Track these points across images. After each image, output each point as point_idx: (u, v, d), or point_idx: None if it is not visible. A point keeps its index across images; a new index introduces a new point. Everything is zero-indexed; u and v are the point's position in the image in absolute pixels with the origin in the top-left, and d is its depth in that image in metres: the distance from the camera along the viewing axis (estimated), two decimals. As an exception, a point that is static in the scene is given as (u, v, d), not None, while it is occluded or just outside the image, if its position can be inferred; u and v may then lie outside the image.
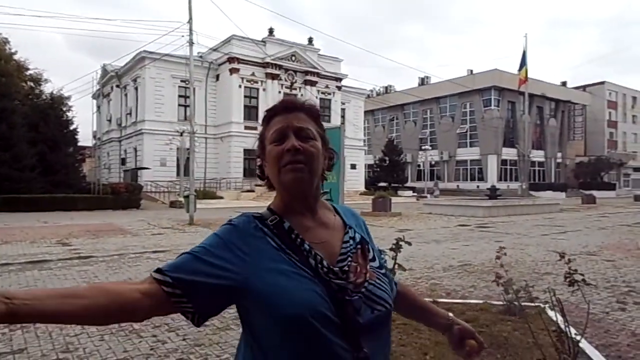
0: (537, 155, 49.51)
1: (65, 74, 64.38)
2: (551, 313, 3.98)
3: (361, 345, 0.91)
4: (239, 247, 0.93)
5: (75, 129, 26.98)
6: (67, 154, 25.44)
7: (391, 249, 4.58)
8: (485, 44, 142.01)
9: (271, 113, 1.04)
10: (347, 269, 0.98)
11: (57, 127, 24.85)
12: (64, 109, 27.33)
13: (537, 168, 50.30)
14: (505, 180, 45.27)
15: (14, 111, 22.73)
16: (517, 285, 4.20)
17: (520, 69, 36.19)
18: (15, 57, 35.99)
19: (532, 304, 3.89)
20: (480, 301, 4.87)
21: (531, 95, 40.93)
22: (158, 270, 0.90)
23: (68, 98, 28.68)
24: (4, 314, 0.70)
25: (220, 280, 0.89)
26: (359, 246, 1.05)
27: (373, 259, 1.06)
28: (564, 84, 56.58)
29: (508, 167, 47.03)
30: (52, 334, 4.01)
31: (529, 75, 36.35)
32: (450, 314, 1.21)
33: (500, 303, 4.48)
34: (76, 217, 17.02)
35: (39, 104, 26.68)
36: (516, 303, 3.88)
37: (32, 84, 36.39)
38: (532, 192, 38.63)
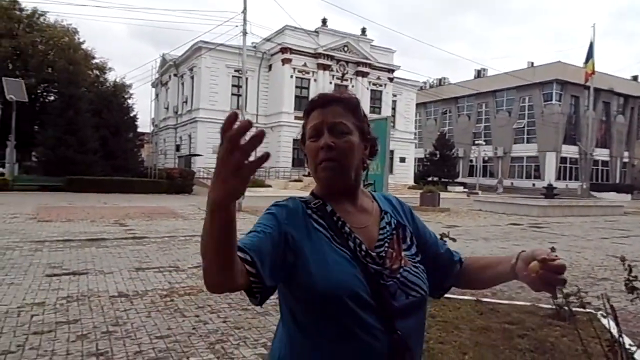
0: (601, 154, 46.54)
1: (127, 62, 67.65)
2: (604, 321, 3.74)
3: (395, 327, 0.94)
4: (289, 224, 0.97)
5: (135, 116, 28.36)
6: (127, 140, 26.81)
7: (434, 244, 4.48)
8: (546, 35, 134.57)
9: (310, 107, 1.07)
10: (383, 254, 1.01)
11: (118, 114, 26.24)
12: (126, 96, 28.74)
13: (600, 167, 47.31)
14: (564, 179, 42.96)
15: (80, 98, 24.21)
16: (568, 289, 3.98)
17: (586, 62, 33.99)
18: (83, 46, 38.09)
19: (583, 310, 3.67)
20: (528, 303, 4.66)
21: (597, 90, 38.42)
22: (239, 249, 0.85)
23: (129, 86, 30.18)
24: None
25: (282, 249, 0.93)
26: (394, 232, 1.07)
27: (409, 246, 1.08)
28: (635, 78, 52.61)
29: (568, 165, 44.57)
30: (103, 308, 4.25)
31: (595, 69, 34.11)
32: (515, 257, 0.99)
33: (550, 307, 4.27)
34: (133, 200, 17.90)
35: (103, 92, 28.24)
36: (566, 308, 3.68)
37: (97, 72, 38.45)
38: (593, 193, 36.45)
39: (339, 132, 1.01)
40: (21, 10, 34.54)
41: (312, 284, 0.93)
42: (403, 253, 1.04)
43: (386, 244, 1.03)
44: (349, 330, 0.92)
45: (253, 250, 0.87)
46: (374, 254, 1.00)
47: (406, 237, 1.09)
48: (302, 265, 0.94)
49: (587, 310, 3.71)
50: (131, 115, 27.92)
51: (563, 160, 44.09)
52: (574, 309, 3.66)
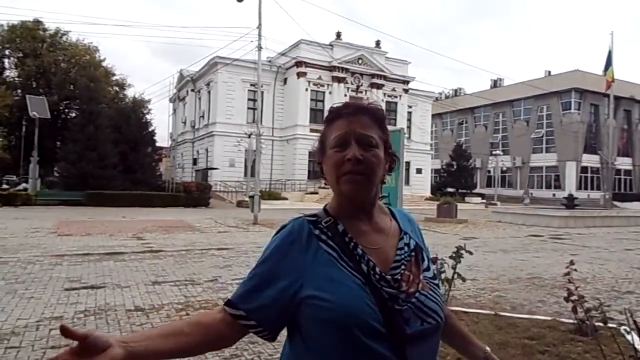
0: (624, 163, 45.48)
1: (146, 78, 69.08)
2: (628, 337, 3.61)
3: (406, 355, 0.89)
4: (293, 256, 0.95)
5: (153, 131, 28.84)
6: (146, 154, 27.24)
7: (451, 257, 4.41)
8: (563, 44, 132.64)
9: (334, 115, 1.01)
10: (399, 277, 0.96)
11: (137, 129, 26.71)
12: (144, 111, 29.31)
13: (622, 177, 46.22)
14: (586, 188, 42.06)
15: (100, 114, 24.77)
16: (591, 302, 3.87)
17: (606, 70, 33.48)
18: (104, 64, 39.13)
19: (607, 325, 3.55)
20: (549, 318, 4.54)
21: (617, 98, 37.74)
22: (230, 304, 0.95)
23: (148, 101, 30.76)
24: (125, 356, 0.78)
25: (284, 295, 0.93)
26: (412, 254, 1.02)
27: (427, 269, 1.03)
28: (657, 85, 51.53)
29: (589, 174, 43.65)
30: (120, 322, 4.28)
31: (615, 76, 33.54)
32: (487, 348, 1.14)
33: (571, 321, 4.15)
34: (151, 213, 18.12)
35: (122, 107, 28.85)
36: (588, 322, 3.57)
37: (117, 88, 39.38)
38: (615, 203, 35.57)
39: (366, 145, 0.96)
40: (45, 30, 35.73)
41: (317, 313, 0.90)
42: (421, 275, 0.99)
43: (402, 266, 0.98)
44: (354, 357, 0.88)
45: (249, 301, 0.94)
46: (388, 276, 0.94)
47: (424, 259, 1.04)
48: (307, 296, 0.91)
49: (610, 325, 3.59)
50: (149, 130, 28.41)
51: (584, 169, 43.23)
52: (596, 323, 3.55)
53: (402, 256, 1.00)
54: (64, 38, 36.59)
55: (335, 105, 1.03)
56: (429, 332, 0.94)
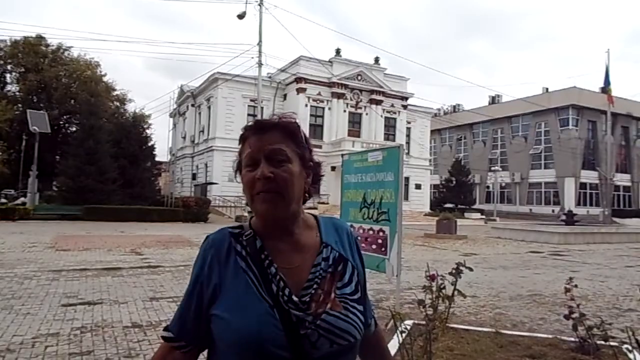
0: (622, 179, 45.64)
1: (146, 94, 69.52)
2: (631, 355, 3.58)
3: None
4: (211, 270, 0.95)
5: (152, 146, 28.93)
6: (145, 169, 27.26)
7: (451, 274, 4.39)
8: (557, 61, 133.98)
9: (245, 134, 0.98)
10: (308, 299, 0.92)
11: (137, 144, 26.79)
12: (144, 126, 29.43)
13: (622, 193, 46.32)
14: (585, 205, 42.08)
15: (100, 128, 24.86)
16: (592, 320, 3.84)
17: (605, 86, 33.85)
18: (105, 79, 39.38)
19: (608, 343, 3.52)
20: (550, 336, 4.49)
21: (615, 114, 38.05)
22: (166, 338, 0.99)
23: (148, 116, 30.90)
24: None
25: (202, 310, 0.95)
26: (330, 269, 0.97)
27: (347, 283, 0.98)
28: (653, 102, 51.93)
29: (588, 191, 43.72)
30: (117, 339, 4.23)
31: (613, 93, 33.86)
32: None
33: (573, 339, 4.11)
34: (149, 228, 18.05)
35: (123, 122, 28.94)
36: (590, 341, 3.54)
37: (117, 103, 39.56)
38: (615, 219, 35.54)
39: (277, 161, 0.93)
40: (47, 45, 36.04)
41: (220, 333, 0.90)
42: (334, 294, 0.95)
43: (315, 285, 0.94)
44: None
45: (180, 324, 0.97)
46: (296, 299, 0.91)
47: (345, 272, 0.99)
48: (214, 314, 0.92)
49: (612, 343, 3.56)
50: (149, 145, 28.50)
51: (583, 185, 43.32)
52: (598, 342, 3.52)
53: (317, 273, 0.95)
54: (66, 53, 36.89)
55: (247, 124, 1.00)
56: (340, 353, 0.91)
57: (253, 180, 0.93)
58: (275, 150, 0.93)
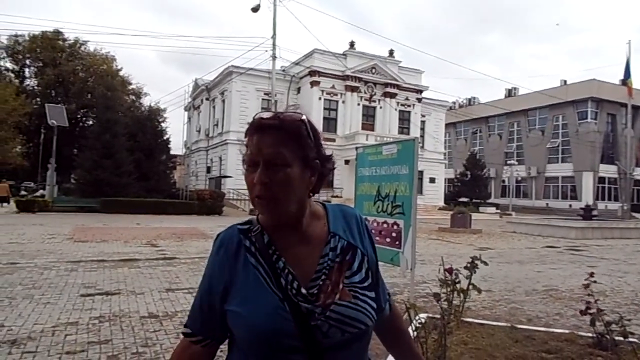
0: (643, 174, 44.69)
1: (161, 87, 70.05)
2: (651, 351, 3.52)
3: None
4: (223, 268, 0.97)
5: (167, 139, 29.21)
6: (160, 162, 27.55)
7: (465, 268, 4.36)
8: (574, 53, 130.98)
9: (250, 130, 0.96)
10: (316, 291, 0.93)
11: (152, 137, 27.07)
12: (160, 120, 29.73)
13: (641, 187, 45.38)
14: (603, 199, 41.37)
15: (116, 122, 25.15)
16: (610, 316, 3.78)
17: (626, 79, 33.08)
18: (121, 73, 39.80)
19: (627, 339, 3.46)
20: (567, 331, 4.44)
21: (635, 107, 37.19)
22: (186, 326, 1.03)
23: (164, 110, 31.18)
24: None
25: (217, 305, 0.97)
26: (337, 259, 0.98)
27: (356, 271, 0.98)
28: (675, 94, 50.61)
29: (606, 185, 42.92)
30: (134, 328, 4.30)
31: (633, 85, 33.10)
32: None
33: (590, 335, 4.05)
34: (165, 221, 18.26)
35: (138, 116, 29.25)
36: (608, 337, 3.48)
37: (133, 97, 39.98)
38: (634, 214, 34.87)
39: (275, 165, 0.90)
40: (64, 40, 36.53)
41: (235, 327, 0.94)
42: (342, 284, 0.95)
43: (323, 276, 0.95)
44: None
45: (198, 323, 1.00)
46: (304, 291, 0.92)
47: (354, 260, 0.99)
48: (229, 309, 0.95)
49: (631, 339, 3.50)
50: (164, 138, 28.79)
51: (601, 180, 42.53)
52: (616, 338, 3.46)
53: (325, 264, 0.96)
54: (83, 48, 37.38)
55: (255, 117, 0.96)
56: (351, 340, 0.93)
57: (252, 184, 0.92)
58: (274, 155, 0.91)
